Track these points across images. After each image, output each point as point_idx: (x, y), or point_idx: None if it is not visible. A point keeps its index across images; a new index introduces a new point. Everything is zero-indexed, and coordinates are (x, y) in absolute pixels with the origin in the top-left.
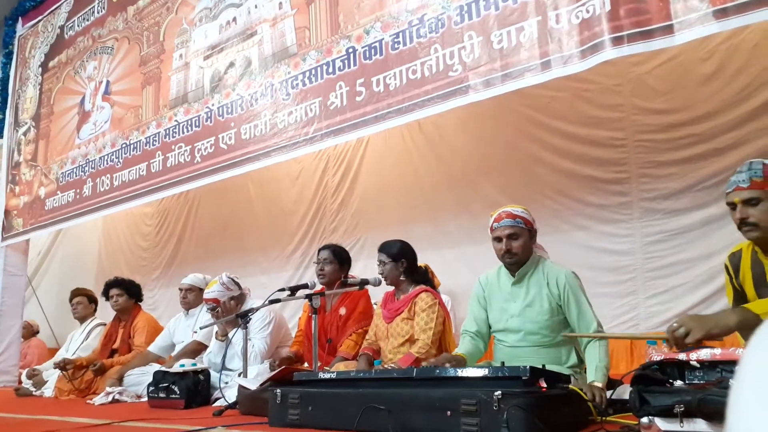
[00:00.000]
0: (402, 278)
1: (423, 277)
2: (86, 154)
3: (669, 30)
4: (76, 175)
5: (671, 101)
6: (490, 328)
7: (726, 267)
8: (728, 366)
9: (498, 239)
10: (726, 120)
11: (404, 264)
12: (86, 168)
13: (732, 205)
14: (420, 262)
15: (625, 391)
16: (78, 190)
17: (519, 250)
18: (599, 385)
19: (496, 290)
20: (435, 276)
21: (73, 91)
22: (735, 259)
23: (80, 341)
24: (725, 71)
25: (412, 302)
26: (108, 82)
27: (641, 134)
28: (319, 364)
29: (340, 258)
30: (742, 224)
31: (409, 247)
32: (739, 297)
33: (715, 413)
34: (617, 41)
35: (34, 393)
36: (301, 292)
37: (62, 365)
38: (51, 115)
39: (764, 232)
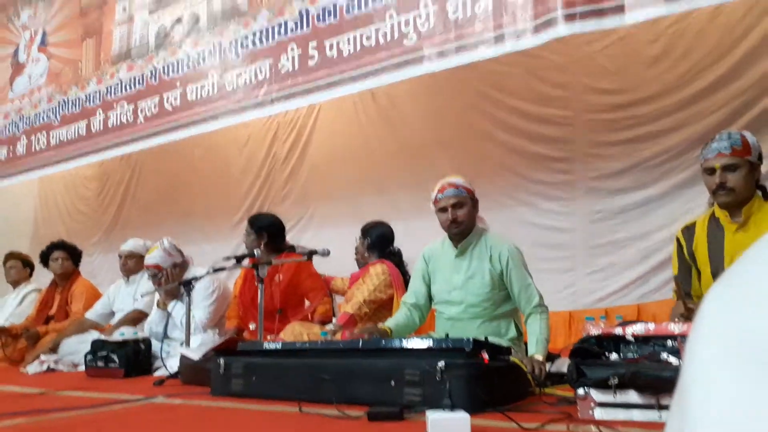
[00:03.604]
0: (366, 253)
1: (391, 256)
2: (20, 109)
3: (620, 10)
4: (9, 132)
5: (618, 82)
6: (431, 301)
7: (677, 239)
8: (660, 341)
9: (443, 210)
10: (668, 103)
11: (368, 240)
12: (20, 124)
13: (710, 171)
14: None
15: (563, 364)
16: (11, 148)
17: (464, 219)
18: (540, 358)
19: (440, 262)
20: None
21: (6, 40)
22: (689, 232)
23: (13, 307)
24: (670, 55)
25: (366, 271)
26: (44, 32)
27: (588, 113)
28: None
29: None
30: (720, 188)
31: (380, 228)
32: (686, 268)
33: (647, 385)
34: (570, 18)
35: None
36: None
37: None
38: None
39: (737, 197)
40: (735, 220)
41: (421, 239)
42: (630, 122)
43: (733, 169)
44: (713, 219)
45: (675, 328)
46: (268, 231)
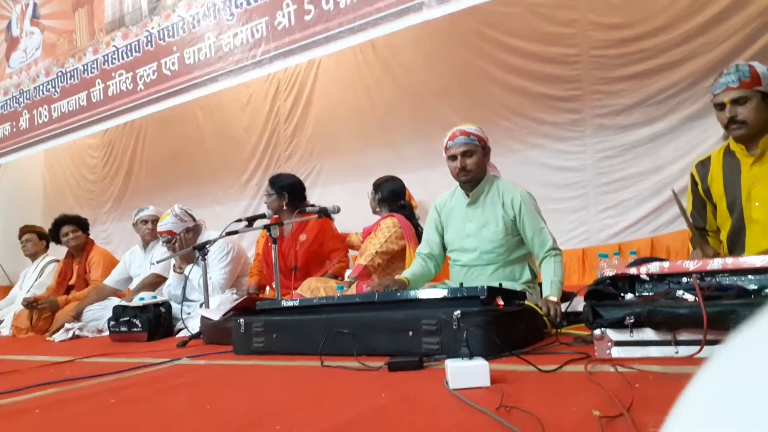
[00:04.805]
0: (378, 207)
1: (402, 209)
2: (19, 84)
3: None
4: (10, 107)
5: (625, 15)
6: (445, 250)
7: (692, 175)
8: (675, 278)
9: (453, 157)
10: (676, 35)
11: (379, 194)
12: (21, 99)
13: (720, 106)
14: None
15: (579, 303)
16: (14, 123)
17: (473, 167)
18: (554, 299)
19: (452, 211)
20: (412, 198)
21: None
22: (703, 167)
23: (34, 279)
24: None
25: (377, 225)
26: (35, 4)
27: (595, 50)
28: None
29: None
30: (731, 123)
31: (391, 183)
32: (700, 204)
33: (662, 323)
34: None
35: None
36: (258, 222)
37: (33, 303)
38: None
39: (750, 130)
40: (751, 153)
41: (430, 189)
42: (638, 56)
43: (743, 102)
44: (729, 152)
45: (690, 264)
46: (289, 191)
